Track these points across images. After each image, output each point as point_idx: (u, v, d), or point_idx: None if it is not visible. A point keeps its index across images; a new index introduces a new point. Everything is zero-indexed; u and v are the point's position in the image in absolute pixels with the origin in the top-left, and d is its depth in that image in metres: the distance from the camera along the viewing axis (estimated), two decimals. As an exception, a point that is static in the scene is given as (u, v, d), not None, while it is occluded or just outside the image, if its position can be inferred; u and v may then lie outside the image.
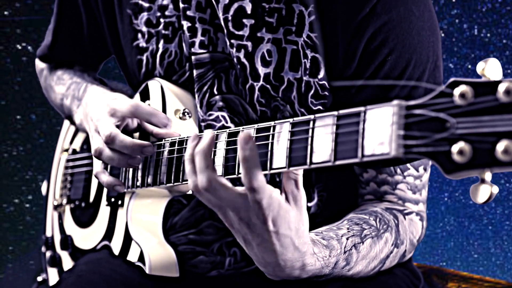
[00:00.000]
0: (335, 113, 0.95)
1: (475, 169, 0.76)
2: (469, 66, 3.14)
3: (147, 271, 1.39)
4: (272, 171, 1.04)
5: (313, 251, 1.11)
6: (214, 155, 1.15)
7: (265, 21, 1.36)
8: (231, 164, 1.12)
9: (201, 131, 1.45)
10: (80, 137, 1.83)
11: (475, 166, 0.76)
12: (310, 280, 1.16)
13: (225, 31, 1.39)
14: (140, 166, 1.37)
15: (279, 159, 1.01)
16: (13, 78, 3.33)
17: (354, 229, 1.23)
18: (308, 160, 0.97)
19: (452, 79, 0.79)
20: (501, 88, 0.74)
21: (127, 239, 1.46)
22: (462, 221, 3.30)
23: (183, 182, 1.25)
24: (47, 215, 1.90)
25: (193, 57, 1.44)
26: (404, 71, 1.31)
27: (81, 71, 1.76)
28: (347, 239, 1.20)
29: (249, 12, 1.37)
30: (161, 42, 1.49)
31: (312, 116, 0.98)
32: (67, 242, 1.73)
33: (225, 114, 1.43)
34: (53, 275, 1.81)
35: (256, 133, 1.08)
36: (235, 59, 1.39)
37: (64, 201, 1.81)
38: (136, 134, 1.44)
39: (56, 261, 1.78)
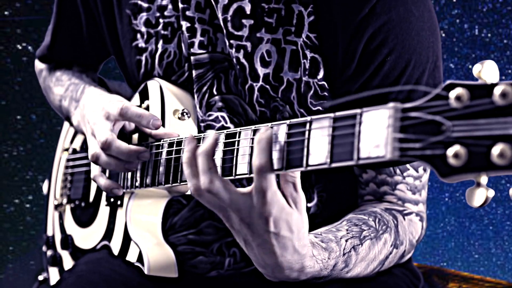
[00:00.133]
0: (332, 115, 0.94)
1: (470, 173, 0.76)
2: (470, 66, 3.14)
3: (145, 272, 1.39)
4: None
5: (312, 254, 1.11)
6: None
7: (264, 22, 1.36)
8: (228, 165, 1.11)
9: (200, 131, 1.44)
10: (80, 136, 1.83)
11: (470, 170, 0.76)
12: (309, 282, 1.15)
13: (225, 31, 1.39)
14: (139, 167, 1.37)
15: (276, 161, 1.01)
16: (14, 78, 3.33)
17: (353, 230, 1.23)
18: (304, 162, 0.97)
19: (448, 82, 0.79)
20: (497, 91, 0.74)
21: (126, 239, 1.46)
22: (462, 221, 3.30)
23: (182, 183, 1.25)
24: (48, 214, 1.91)
25: (192, 58, 1.44)
26: (403, 72, 1.31)
27: (79, 72, 1.76)
28: (346, 241, 1.20)
29: (248, 12, 1.37)
30: (160, 42, 1.48)
31: (308, 118, 0.98)
32: (67, 241, 1.73)
33: (224, 114, 1.43)
34: (54, 274, 1.82)
35: (253, 135, 1.07)
36: (234, 60, 1.39)
37: (65, 200, 1.82)
38: (135, 136, 1.44)
39: (56, 261, 1.79)
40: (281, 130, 1.02)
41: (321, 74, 1.34)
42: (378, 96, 1.28)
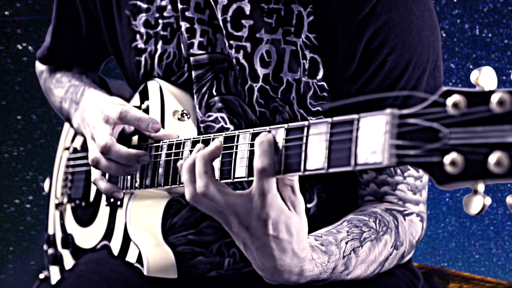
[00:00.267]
0: (329, 120, 0.94)
1: (467, 181, 0.76)
2: (471, 67, 3.13)
3: (145, 273, 1.39)
4: None
5: (312, 257, 1.10)
6: None
7: (264, 22, 1.36)
8: (226, 168, 1.11)
9: (200, 132, 1.44)
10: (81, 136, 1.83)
11: (467, 178, 0.76)
12: (309, 285, 1.15)
13: (224, 32, 1.39)
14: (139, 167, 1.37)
15: (275, 164, 1.01)
16: (14, 78, 3.34)
17: (354, 232, 1.23)
18: (302, 167, 0.97)
19: (445, 88, 0.79)
20: (494, 98, 0.74)
21: (126, 240, 1.46)
22: (463, 222, 3.30)
23: (181, 185, 1.25)
24: (49, 213, 1.91)
25: (191, 58, 1.44)
26: (404, 71, 1.31)
27: (80, 73, 1.75)
28: (346, 243, 1.19)
29: (247, 13, 1.37)
30: (160, 43, 1.48)
31: (306, 123, 0.98)
32: (68, 240, 1.73)
33: (224, 115, 1.43)
34: (54, 273, 1.82)
35: (252, 138, 1.07)
36: (234, 60, 1.39)
37: (65, 199, 1.82)
38: (135, 137, 1.44)
39: (57, 259, 1.80)
40: (279, 134, 1.01)
41: (320, 75, 1.34)
42: (377, 98, 1.28)
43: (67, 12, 1.68)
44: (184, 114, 1.43)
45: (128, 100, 1.57)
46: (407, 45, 1.30)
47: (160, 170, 1.30)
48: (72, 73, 1.75)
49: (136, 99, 1.53)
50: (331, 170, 0.93)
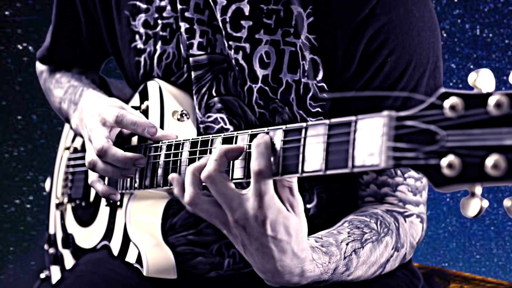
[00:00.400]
0: (327, 121, 0.94)
1: (464, 183, 0.76)
2: (471, 67, 3.13)
3: (144, 273, 1.39)
4: None
5: (312, 258, 1.10)
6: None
7: (263, 23, 1.36)
8: (225, 169, 1.11)
9: (199, 133, 1.44)
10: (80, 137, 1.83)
11: (464, 180, 0.75)
12: (310, 286, 1.15)
13: (223, 32, 1.38)
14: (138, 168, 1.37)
15: (272, 166, 1.01)
16: (14, 79, 3.34)
17: (355, 233, 1.23)
18: (300, 169, 0.97)
19: (442, 90, 0.78)
20: (492, 101, 0.73)
21: (126, 240, 1.46)
22: (464, 222, 3.30)
23: None
24: (50, 213, 1.91)
25: (191, 59, 1.43)
26: (404, 72, 1.31)
27: (79, 73, 1.75)
28: (347, 244, 1.19)
29: (247, 13, 1.36)
30: (159, 43, 1.48)
31: (304, 124, 0.98)
32: (68, 240, 1.74)
33: (223, 116, 1.43)
34: (55, 273, 1.83)
35: (250, 140, 1.07)
36: (233, 61, 1.39)
37: (65, 199, 1.82)
38: (134, 138, 1.44)
39: (58, 259, 1.80)
40: (277, 136, 1.01)
41: (320, 76, 1.34)
42: (377, 99, 1.28)
43: (67, 13, 1.68)
44: (184, 115, 1.43)
45: (128, 100, 1.57)
46: (407, 46, 1.29)
47: (159, 171, 1.30)
48: (71, 74, 1.75)
49: (135, 99, 1.53)
50: (328, 172, 0.92)
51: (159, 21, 1.48)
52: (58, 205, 1.85)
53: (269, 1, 1.35)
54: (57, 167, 1.93)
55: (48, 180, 1.99)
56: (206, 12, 1.42)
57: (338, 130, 0.92)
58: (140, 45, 1.51)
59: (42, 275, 1.91)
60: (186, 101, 1.46)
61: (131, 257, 1.44)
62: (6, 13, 3.24)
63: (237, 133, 1.11)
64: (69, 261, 1.76)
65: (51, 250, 1.85)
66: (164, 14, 1.47)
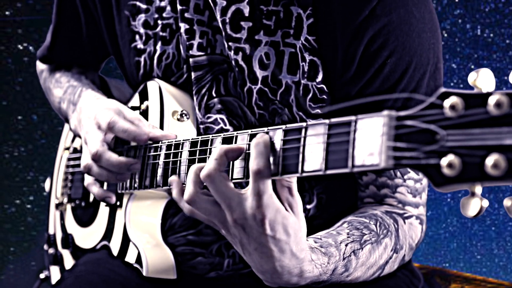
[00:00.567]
0: (327, 121, 0.94)
1: (464, 183, 0.75)
2: (472, 67, 3.13)
3: (144, 274, 1.39)
4: None
5: (311, 258, 1.10)
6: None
7: (263, 24, 1.35)
8: (224, 169, 1.11)
9: (199, 133, 1.44)
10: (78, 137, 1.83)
11: (464, 180, 0.75)
12: (309, 286, 1.15)
13: (223, 33, 1.38)
14: None
15: (272, 166, 1.01)
16: (15, 79, 3.34)
17: (354, 234, 1.22)
18: (300, 169, 0.97)
19: (442, 90, 0.78)
20: (492, 100, 0.73)
21: (125, 240, 1.46)
22: (465, 222, 3.30)
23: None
24: (50, 213, 1.92)
25: (191, 60, 1.43)
26: (404, 74, 1.30)
27: (79, 73, 1.76)
28: (346, 245, 1.19)
29: (246, 14, 1.36)
30: (159, 44, 1.48)
31: (304, 124, 0.98)
32: (68, 241, 1.74)
33: (223, 116, 1.43)
34: (55, 273, 1.83)
35: (250, 139, 1.07)
36: (233, 62, 1.38)
37: (65, 200, 1.82)
38: None
39: (57, 259, 1.80)
40: (277, 135, 1.01)
41: (320, 77, 1.34)
42: (377, 100, 1.27)
43: (67, 12, 1.68)
44: (183, 115, 1.43)
45: (128, 100, 1.57)
46: (407, 48, 1.29)
47: (159, 171, 1.30)
48: (71, 73, 1.75)
49: (135, 99, 1.53)
50: (328, 172, 0.92)
51: (159, 22, 1.48)
52: (57, 205, 1.85)
53: (269, 2, 1.35)
54: (56, 167, 1.94)
55: (48, 180, 2.00)
56: (206, 13, 1.42)
57: (338, 129, 0.92)
58: (140, 45, 1.51)
59: (42, 275, 1.91)
60: (186, 101, 1.46)
61: (130, 257, 1.44)
62: (7, 13, 3.24)
63: (237, 133, 1.11)
64: (68, 261, 1.76)
65: (51, 250, 1.86)
66: (164, 15, 1.47)
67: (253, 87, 1.37)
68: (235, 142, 1.10)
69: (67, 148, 1.89)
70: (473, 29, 3.11)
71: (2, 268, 3.40)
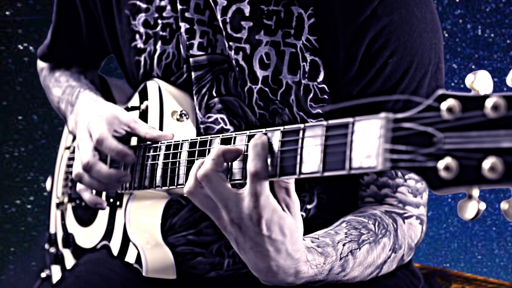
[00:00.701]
0: (324, 123, 0.94)
1: (461, 186, 0.75)
2: (473, 67, 3.13)
3: (143, 274, 1.39)
4: None
5: (307, 259, 1.10)
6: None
7: (263, 24, 1.35)
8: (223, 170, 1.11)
9: (199, 133, 1.44)
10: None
11: (461, 183, 0.75)
12: (305, 286, 1.15)
13: (224, 33, 1.38)
14: (138, 168, 1.37)
15: (270, 167, 1.01)
16: (15, 79, 3.34)
17: (353, 234, 1.22)
18: (297, 170, 0.97)
19: (440, 92, 0.78)
20: (489, 103, 0.73)
21: (125, 240, 1.46)
22: (465, 222, 3.29)
23: (178, 186, 1.25)
24: (51, 212, 1.92)
25: (191, 59, 1.43)
26: (405, 74, 1.30)
27: (78, 72, 1.76)
28: (344, 245, 1.19)
29: (247, 14, 1.36)
30: (159, 43, 1.48)
31: (302, 125, 0.98)
32: (68, 240, 1.74)
33: (224, 116, 1.43)
34: (56, 272, 1.83)
35: (248, 140, 1.07)
36: (233, 62, 1.38)
37: (66, 199, 1.83)
38: (134, 138, 1.43)
39: (58, 259, 1.81)
40: (275, 136, 1.01)
41: (321, 77, 1.33)
42: (377, 101, 1.27)
43: (67, 11, 1.69)
44: (183, 115, 1.43)
45: (128, 99, 1.57)
46: (408, 48, 1.29)
47: (158, 171, 1.30)
48: (70, 73, 1.75)
49: (135, 99, 1.53)
50: (326, 174, 0.92)
51: (159, 21, 1.48)
52: (58, 205, 1.85)
53: (269, 2, 1.35)
54: (57, 166, 1.94)
55: (48, 180, 2.00)
56: (206, 13, 1.42)
57: (336, 131, 0.92)
58: (140, 44, 1.51)
59: (43, 275, 1.92)
60: (186, 101, 1.46)
61: (130, 257, 1.44)
62: (7, 13, 3.24)
63: (236, 134, 1.11)
64: (69, 261, 1.76)
65: (52, 250, 1.86)
66: (164, 14, 1.47)
67: (253, 87, 1.37)
68: (234, 143, 1.10)
69: (68, 148, 1.89)
70: (474, 29, 3.11)
71: (3, 268, 3.40)
